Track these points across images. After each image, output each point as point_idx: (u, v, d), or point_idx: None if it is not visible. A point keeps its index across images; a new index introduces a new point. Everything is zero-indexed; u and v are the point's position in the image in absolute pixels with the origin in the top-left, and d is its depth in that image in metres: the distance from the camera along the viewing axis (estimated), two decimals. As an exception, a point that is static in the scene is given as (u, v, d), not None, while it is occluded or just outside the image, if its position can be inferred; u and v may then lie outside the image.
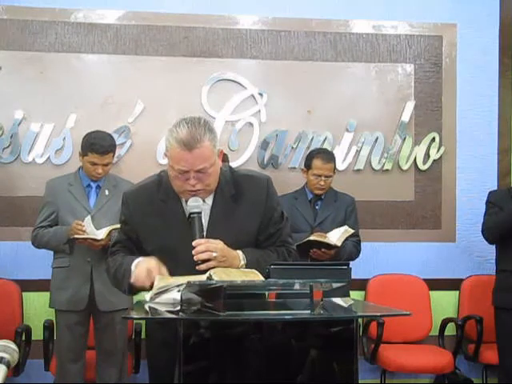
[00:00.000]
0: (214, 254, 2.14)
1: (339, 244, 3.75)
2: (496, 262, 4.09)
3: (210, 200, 2.28)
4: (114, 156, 3.79)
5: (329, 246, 3.74)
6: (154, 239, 2.25)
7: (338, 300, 2.23)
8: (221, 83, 4.52)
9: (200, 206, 2.21)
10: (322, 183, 3.95)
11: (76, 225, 3.56)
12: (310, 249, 3.75)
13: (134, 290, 2.24)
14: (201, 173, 2.17)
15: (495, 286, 4.04)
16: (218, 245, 2.16)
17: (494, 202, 4.04)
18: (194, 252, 2.14)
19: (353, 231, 3.87)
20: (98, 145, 3.64)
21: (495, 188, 4.55)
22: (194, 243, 2.15)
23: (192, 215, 2.20)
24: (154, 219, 2.27)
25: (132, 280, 2.19)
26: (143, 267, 2.17)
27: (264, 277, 2.06)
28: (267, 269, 2.03)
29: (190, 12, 4.52)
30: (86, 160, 3.69)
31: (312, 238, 3.74)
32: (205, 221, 2.26)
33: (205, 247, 2.14)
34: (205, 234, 2.23)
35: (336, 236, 3.80)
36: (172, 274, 2.17)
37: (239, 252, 2.23)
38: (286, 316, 1.98)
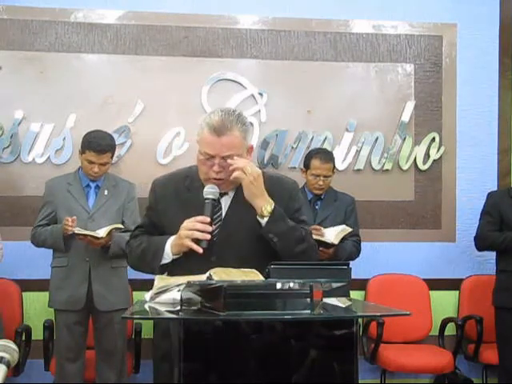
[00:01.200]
0: (249, 169, 2.20)
1: (336, 242, 3.75)
2: (496, 262, 4.09)
3: (232, 193, 2.33)
4: (112, 156, 3.79)
5: (326, 245, 3.74)
6: (175, 225, 2.26)
7: (335, 300, 2.22)
8: (221, 83, 4.52)
9: (215, 193, 2.25)
10: (321, 183, 3.94)
11: (65, 221, 3.56)
12: None
13: (163, 269, 2.30)
14: (226, 161, 2.21)
15: (495, 286, 4.04)
16: (256, 173, 2.22)
17: (492, 203, 4.05)
18: (231, 161, 2.20)
19: (350, 230, 3.87)
20: (95, 143, 3.65)
21: (495, 188, 4.56)
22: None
23: (206, 200, 2.24)
24: (177, 206, 2.33)
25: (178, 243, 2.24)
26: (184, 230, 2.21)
27: (264, 276, 2.06)
28: (267, 269, 2.02)
29: (190, 12, 4.52)
30: (84, 158, 3.70)
31: None
32: (224, 212, 2.31)
33: (242, 165, 2.20)
34: (221, 223, 2.29)
35: (333, 234, 3.80)
36: (187, 262, 2.22)
37: (271, 200, 2.25)
38: (286, 316, 1.98)
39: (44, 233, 3.72)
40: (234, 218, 2.30)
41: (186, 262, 2.24)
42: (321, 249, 3.73)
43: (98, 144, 3.65)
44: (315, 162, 3.94)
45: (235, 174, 2.21)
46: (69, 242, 3.65)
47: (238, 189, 2.30)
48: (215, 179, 2.25)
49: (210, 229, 2.19)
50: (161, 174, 2.53)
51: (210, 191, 2.24)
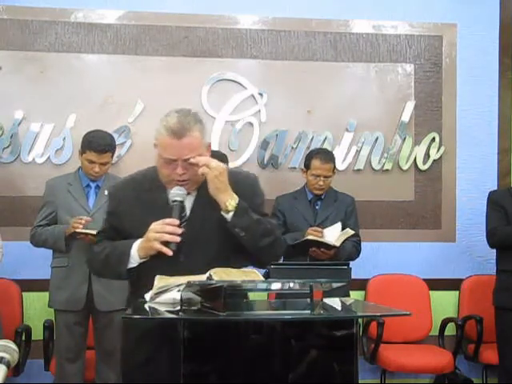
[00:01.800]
0: (213, 164, 2.19)
1: (338, 244, 3.74)
2: (496, 262, 4.09)
3: (194, 193, 2.31)
4: (112, 156, 3.79)
5: (328, 246, 3.73)
6: (139, 229, 2.24)
7: (335, 301, 2.22)
8: (221, 83, 4.52)
9: (183, 195, 2.23)
10: (321, 183, 3.94)
11: (75, 219, 3.56)
12: (309, 248, 3.76)
13: (131, 272, 2.28)
14: (188, 162, 2.20)
15: (496, 286, 4.04)
16: (221, 168, 2.21)
17: (495, 201, 4.04)
18: (195, 160, 2.19)
19: (353, 232, 3.86)
20: (95, 143, 3.66)
21: (495, 188, 4.56)
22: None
23: (173, 203, 2.22)
24: (139, 209, 2.30)
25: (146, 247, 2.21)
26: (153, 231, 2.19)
27: (264, 276, 2.06)
28: (267, 269, 2.03)
29: (190, 12, 4.52)
30: (84, 158, 3.71)
31: (310, 237, 3.75)
32: (188, 212, 2.28)
33: (206, 160, 2.20)
34: (186, 223, 2.24)
35: (335, 235, 3.80)
36: (155, 263, 2.21)
37: (235, 195, 2.24)
38: (286, 316, 1.98)
39: (45, 233, 3.72)
40: (198, 217, 2.28)
41: (153, 263, 2.22)
42: (322, 250, 3.74)
43: (98, 144, 3.66)
44: (315, 163, 3.94)
45: (201, 170, 2.20)
46: (70, 243, 3.65)
47: (200, 188, 2.28)
48: (179, 181, 2.23)
49: (179, 231, 2.17)
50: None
51: (177, 193, 2.23)
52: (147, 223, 2.22)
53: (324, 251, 3.73)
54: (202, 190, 2.28)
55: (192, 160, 2.19)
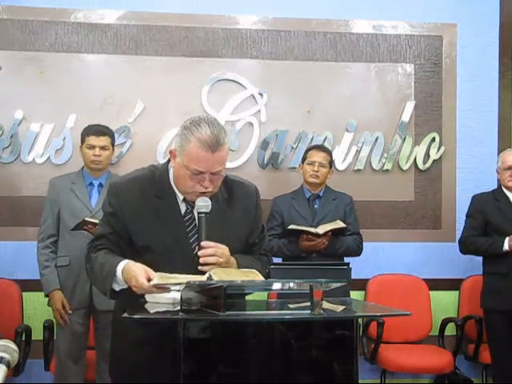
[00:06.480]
0: (221, 260, 2.11)
1: (321, 232, 3.78)
2: (483, 264, 4.10)
3: None
4: (112, 145, 3.84)
5: (312, 234, 3.79)
6: (145, 235, 2.18)
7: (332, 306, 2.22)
8: (221, 83, 4.53)
9: (209, 206, 2.16)
10: (316, 169, 3.97)
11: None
12: (296, 238, 3.84)
13: (115, 294, 2.16)
14: (215, 175, 2.15)
15: (483, 288, 4.07)
16: (224, 251, 2.13)
17: (475, 206, 4.08)
18: (201, 253, 2.10)
19: (343, 225, 3.87)
20: (93, 128, 3.79)
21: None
22: (202, 244, 2.11)
23: (200, 215, 2.15)
24: (147, 214, 2.20)
25: (128, 281, 2.08)
26: (139, 268, 2.06)
27: (264, 277, 2.06)
28: (267, 269, 2.02)
29: (190, 12, 4.52)
30: (85, 147, 3.77)
31: (290, 226, 3.83)
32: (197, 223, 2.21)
33: (213, 251, 2.10)
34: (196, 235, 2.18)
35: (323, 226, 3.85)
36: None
37: (233, 259, 2.19)
38: (286, 316, 1.98)
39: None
40: (211, 229, 2.16)
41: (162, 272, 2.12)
42: (309, 237, 3.77)
43: (96, 128, 3.78)
44: (311, 152, 4.04)
45: (212, 259, 2.09)
46: (72, 242, 3.66)
47: (211, 196, 2.21)
48: (202, 193, 2.16)
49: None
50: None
51: (203, 205, 2.15)
52: (155, 232, 2.17)
53: (311, 238, 3.78)
54: (212, 201, 2.20)
55: (201, 259, 2.09)
